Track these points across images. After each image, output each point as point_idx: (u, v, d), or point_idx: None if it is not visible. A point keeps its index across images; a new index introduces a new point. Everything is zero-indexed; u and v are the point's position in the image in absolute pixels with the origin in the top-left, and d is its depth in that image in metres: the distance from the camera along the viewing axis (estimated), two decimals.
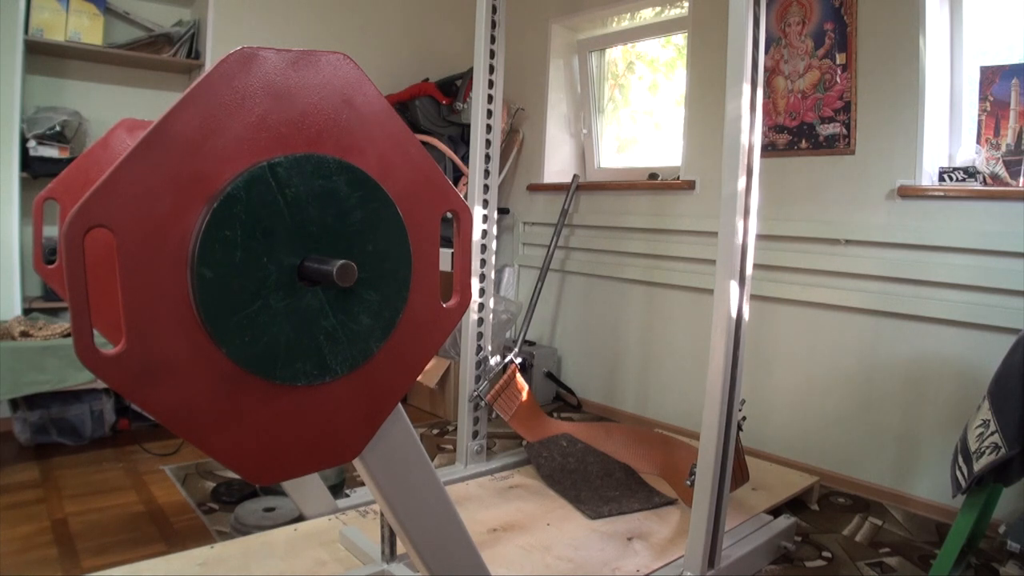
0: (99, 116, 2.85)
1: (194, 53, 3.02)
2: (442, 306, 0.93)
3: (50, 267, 1.31)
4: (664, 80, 3.35)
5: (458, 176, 3.31)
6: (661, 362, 3.04)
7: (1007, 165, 2.08)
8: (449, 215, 0.93)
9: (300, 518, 1.84)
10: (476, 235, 2.16)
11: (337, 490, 2.01)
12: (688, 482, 1.61)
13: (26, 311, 2.59)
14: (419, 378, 2.46)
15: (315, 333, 0.80)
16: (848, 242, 2.39)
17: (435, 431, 2.89)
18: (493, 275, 2.28)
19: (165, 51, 2.96)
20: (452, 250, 0.93)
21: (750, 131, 1.47)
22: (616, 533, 1.84)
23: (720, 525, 1.58)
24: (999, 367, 1.51)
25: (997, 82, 2.10)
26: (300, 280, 0.79)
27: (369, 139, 0.84)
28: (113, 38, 2.90)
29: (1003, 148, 2.09)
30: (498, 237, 3.62)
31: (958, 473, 1.55)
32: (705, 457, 1.54)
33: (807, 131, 2.51)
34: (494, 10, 2.13)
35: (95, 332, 0.67)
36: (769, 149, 2.61)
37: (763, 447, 2.61)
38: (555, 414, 3.16)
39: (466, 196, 2.19)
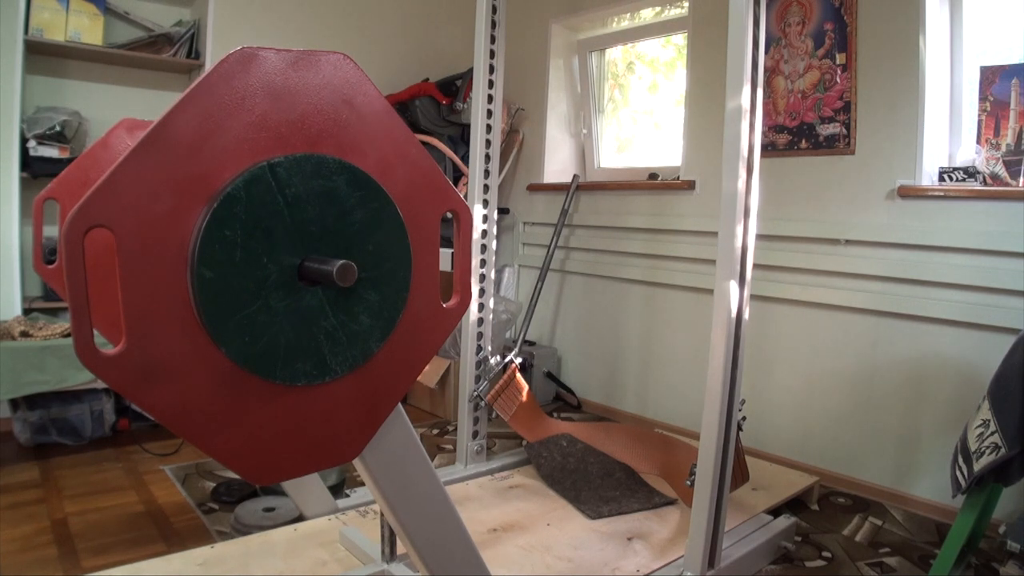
0: (99, 116, 2.84)
1: (194, 53, 3.02)
2: (442, 306, 0.93)
3: (50, 267, 1.31)
4: (664, 80, 3.35)
5: (458, 176, 3.31)
6: (661, 362, 3.04)
7: (1007, 165, 2.08)
8: (449, 215, 0.93)
9: (300, 518, 1.84)
10: (476, 235, 2.16)
11: (337, 490, 2.01)
12: (688, 482, 1.61)
13: (26, 311, 2.59)
14: (419, 378, 2.46)
15: (315, 333, 0.80)
16: (848, 242, 2.39)
17: (435, 431, 2.89)
18: (493, 275, 2.28)
19: (165, 51, 2.96)
20: (452, 250, 0.93)
21: (750, 131, 1.47)
22: (616, 533, 1.84)
23: (720, 525, 1.58)
24: (999, 367, 1.51)
25: (997, 82, 2.10)
26: (300, 280, 0.79)
27: (369, 139, 0.83)
28: (113, 38, 2.90)
29: (1003, 148, 2.09)
30: (498, 237, 3.62)
31: (958, 473, 1.55)
32: (705, 457, 1.54)
33: (807, 131, 2.51)
34: (494, 10, 2.13)
35: (95, 332, 0.67)
36: (769, 149, 2.61)
37: (763, 447, 2.61)
38: (555, 414, 3.16)
39: (466, 196, 2.19)
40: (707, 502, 1.53)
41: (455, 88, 3.44)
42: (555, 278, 3.50)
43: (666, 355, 3.02)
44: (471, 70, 2.44)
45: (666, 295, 3.00)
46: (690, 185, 2.90)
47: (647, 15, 3.29)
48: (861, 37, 2.36)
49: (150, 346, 0.70)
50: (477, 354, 2.24)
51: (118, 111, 2.63)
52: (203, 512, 1.99)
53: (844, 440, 2.43)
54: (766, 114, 2.59)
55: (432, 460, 2.29)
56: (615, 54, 3.53)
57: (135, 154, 0.67)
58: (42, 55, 2.78)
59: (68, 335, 2.28)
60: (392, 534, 1.58)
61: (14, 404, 2.38)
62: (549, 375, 3.39)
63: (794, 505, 2.15)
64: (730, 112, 1.45)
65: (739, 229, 1.47)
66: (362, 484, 1.91)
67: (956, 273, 2.13)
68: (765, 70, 2.53)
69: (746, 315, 1.52)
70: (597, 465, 2.22)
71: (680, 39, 3.18)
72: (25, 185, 2.59)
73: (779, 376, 2.62)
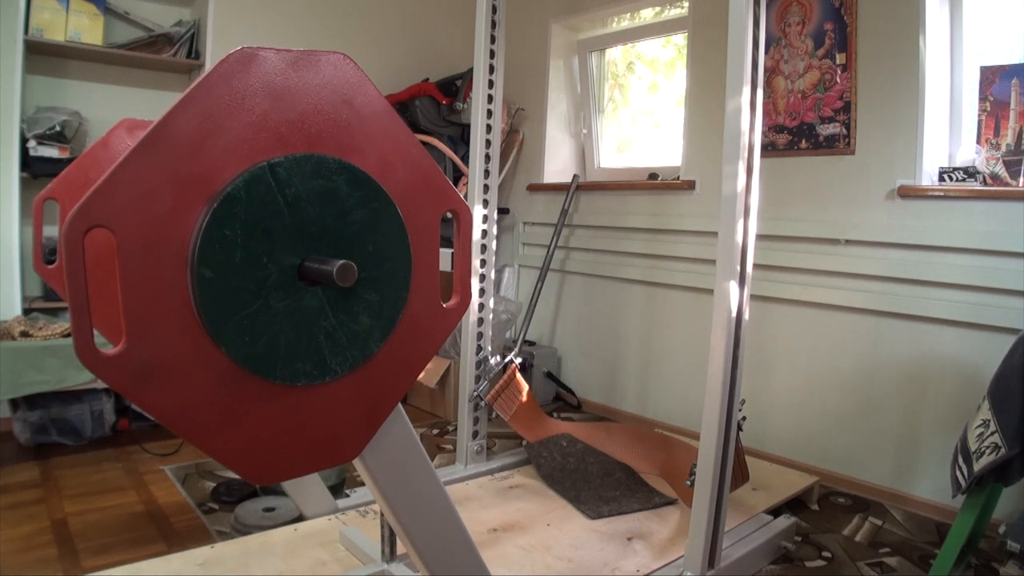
0: (99, 116, 2.84)
1: (194, 53, 3.02)
2: (442, 306, 0.93)
3: (50, 267, 1.31)
4: (664, 80, 3.35)
5: (458, 176, 3.31)
6: (661, 362, 3.04)
7: (1007, 165, 2.08)
8: (449, 215, 0.93)
9: (300, 518, 1.84)
10: (476, 235, 2.16)
11: (337, 490, 2.01)
12: (688, 482, 1.61)
13: (26, 311, 2.59)
14: (419, 378, 2.46)
15: (315, 333, 0.80)
16: (848, 242, 2.39)
17: (435, 431, 2.89)
18: (493, 275, 2.28)
19: (165, 51, 2.96)
20: (452, 250, 0.93)
21: (750, 131, 1.47)
22: (616, 533, 1.84)
23: (720, 525, 1.58)
24: (999, 367, 1.51)
25: (997, 82, 2.10)
26: (300, 280, 0.79)
27: (369, 139, 0.83)
28: (113, 38, 2.90)
29: (1003, 148, 2.09)
30: (498, 237, 3.62)
31: (958, 473, 1.55)
32: (705, 457, 1.54)
33: (807, 131, 2.51)
34: (494, 10, 2.13)
35: (95, 332, 0.67)
36: (769, 149, 2.61)
37: (763, 447, 2.61)
38: (555, 414, 3.16)
39: (466, 196, 2.19)
40: (707, 502, 1.53)
41: (455, 88, 3.44)
42: (555, 278, 3.50)
43: (666, 355, 3.02)
44: (471, 70, 2.44)
45: (666, 295, 3.00)
46: (690, 185, 2.90)
47: (647, 15, 3.29)
48: (861, 37, 2.36)
49: (150, 346, 0.70)
50: (477, 354, 2.23)
51: (118, 111, 2.63)
52: (203, 512, 1.99)
53: (844, 440, 2.43)
54: (766, 114, 2.59)
55: (432, 460, 2.29)
56: (615, 54, 3.53)
57: (135, 154, 0.67)
58: (42, 55, 2.78)
59: (68, 335, 2.28)
60: (392, 534, 1.58)
61: (14, 404, 2.38)
62: (549, 375, 3.39)
63: (794, 505, 2.15)
64: (730, 112, 1.45)
65: (739, 229, 1.47)
66: (362, 484, 1.91)
67: (956, 273, 2.13)
68: (765, 70, 2.53)
69: (746, 315, 1.52)
70: (597, 465, 2.22)
71: (680, 39, 3.18)
72: (25, 185, 2.59)
73: (779, 376, 2.62)
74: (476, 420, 2.26)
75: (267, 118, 0.75)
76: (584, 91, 3.59)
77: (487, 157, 2.19)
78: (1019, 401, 1.42)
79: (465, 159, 3.26)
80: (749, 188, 1.48)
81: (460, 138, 3.47)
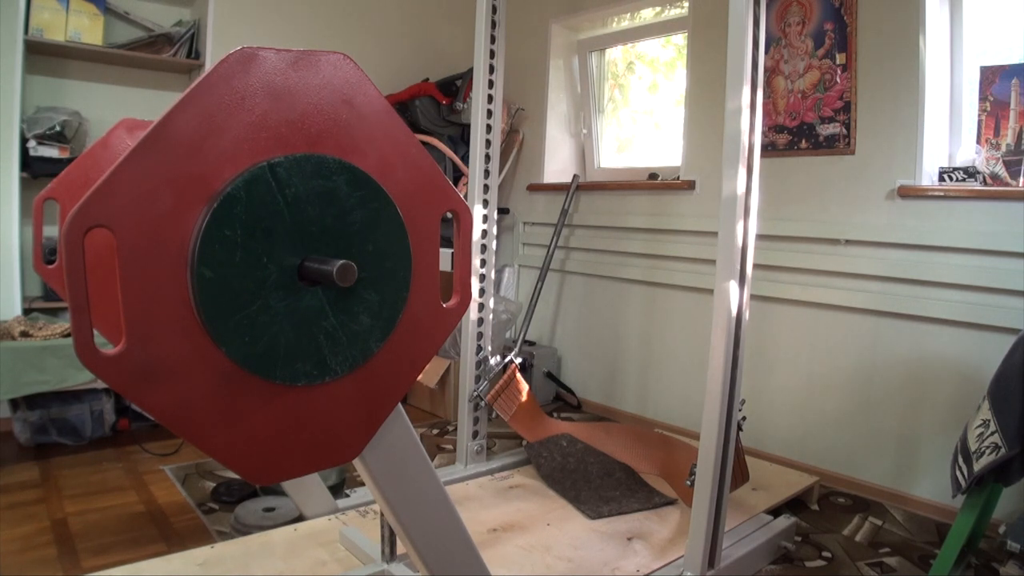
0: (99, 116, 2.84)
1: (194, 53, 3.02)
2: (442, 306, 0.93)
3: (50, 267, 1.31)
4: (664, 80, 3.35)
5: (458, 176, 3.31)
6: (661, 362, 3.04)
7: (1007, 165, 2.08)
8: (449, 215, 0.93)
9: (300, 518, 1.84)
10: (476, 235, 2.16)
11: (337, 490, 2.01)
12: (688, 482, 1.61)
13: (26, 311, 2.59)
14: (419, 378, 2.46)
15: (315, 333, 0.80)
16: (848, 242, 2.39)
17: (435, 431, 2.89)
18: (493, 275, 2.28)
19: (165, 51, 2.96)
20: (452, 250, 0.93)
21: (750, 131, 1.47)
22: (616, 533, 1.84)
23: (720, 525, 1.58)
24: (999, 367, 1.51)
25: (997, 82, 2.10)
26: (300, 280, 0.79)
27: (369, 139, 0.83)
28: (113, 38, 2.90)
29: (1003, 148, 2.09)
30: (498, 237, 3.62)
31: (958, 473, 1.55)
32: (705, 457, 1.54)
33: (807, 131, 2.51)
34: (494, 10, 2.13)
35: (95, 332, 0.67)
36: (769, 149, 2.61)
37: (763, 447, 2.61)
38: (555, 414, 3.16)
39: (466, 196, 2.19)
40: (707, 502, 1.53)
41: (455, 88, 3.44)
42: (555, 278, 3.50)
43: (666, 355, 3.02)
44: (471, 70, 2.44)
45: (666, 295, 3.00)
46: (690, 185, 2.90)
47: (647, 15, 3.29)
48: (861, 37, 2.36)
49: (150, 346, 0.70)
50: (477, 354, 2.23)
51: (118, 111, 2.63)
52: (203, 512, 1.99)
53: (844, 440, 2.43)
54: (766, 114, 2.59)
55: (432, 460, 2.29)
56: (615, 54, 3.53)
57: (135, 154, 0.67)
58: (42, 55, 2.78)
59: (68, 335, 2.28)
60: (392, 534, 1.58)
61: (14, 404, 2.38)
62: (549, 375, 3.39)
63: (794, 505, 2.15)
64: (730, 112, 1.45)
65: (739, 229, 1.47)
66: (362, 484, 1.91)
67: (956, 273, 2.13)
68: (765, 70, 2.53)
69: (746, 315, 1.52)
70: (597, 465, 2.22)
71: (680, 39, 3.18)
72: (25, 185, 2.59)
73: (779, 376, 2.62)
74: (476, 420, 2.26)
75: (267, 118, 0.75)
76: (584, 91, 3.59)
77: (487, 157, 2.19)
78: (1019, 401, 1.42)
79: (465, 159, 3.26)
80: (749, 188, 1.48)
81: (460, 138, 3.47)
